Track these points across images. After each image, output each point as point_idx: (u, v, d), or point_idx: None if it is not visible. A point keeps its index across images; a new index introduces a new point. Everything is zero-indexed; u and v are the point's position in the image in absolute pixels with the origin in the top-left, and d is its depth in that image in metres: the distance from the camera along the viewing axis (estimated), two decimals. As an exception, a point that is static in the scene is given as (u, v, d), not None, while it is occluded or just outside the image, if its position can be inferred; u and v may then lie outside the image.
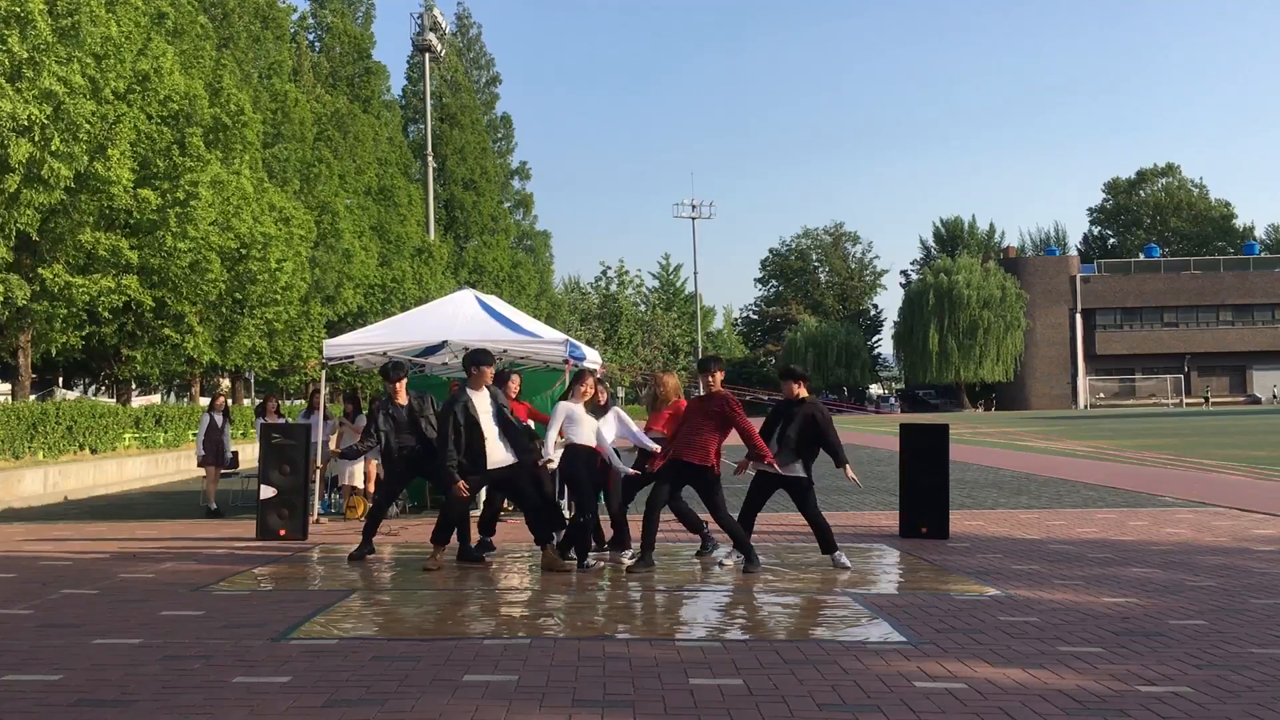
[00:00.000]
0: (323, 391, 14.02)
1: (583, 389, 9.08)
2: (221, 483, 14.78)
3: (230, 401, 19.32)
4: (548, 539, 8.78)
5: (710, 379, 8.77)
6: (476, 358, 8.95)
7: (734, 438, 8.87)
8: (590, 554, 8.86)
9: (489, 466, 8.78)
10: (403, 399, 10.04)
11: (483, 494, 10.15)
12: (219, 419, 14.36)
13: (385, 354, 13.57)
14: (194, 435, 26.93)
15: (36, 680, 5.38)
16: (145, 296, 22.87)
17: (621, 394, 71.84)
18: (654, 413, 9.77)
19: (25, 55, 18.30)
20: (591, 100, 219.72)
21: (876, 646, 5.93)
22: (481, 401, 8.86)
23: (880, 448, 27.70)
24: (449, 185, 61.87)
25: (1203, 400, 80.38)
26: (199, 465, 14.51)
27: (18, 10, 18.19)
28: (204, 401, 36.55)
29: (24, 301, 20.47)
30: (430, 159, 56.87)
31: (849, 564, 8.72)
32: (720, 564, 8.73)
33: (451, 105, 63.45)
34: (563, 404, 9.07)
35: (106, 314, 22.52)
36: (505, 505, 12.97)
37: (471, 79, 68.65)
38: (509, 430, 8.86)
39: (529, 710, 4.75)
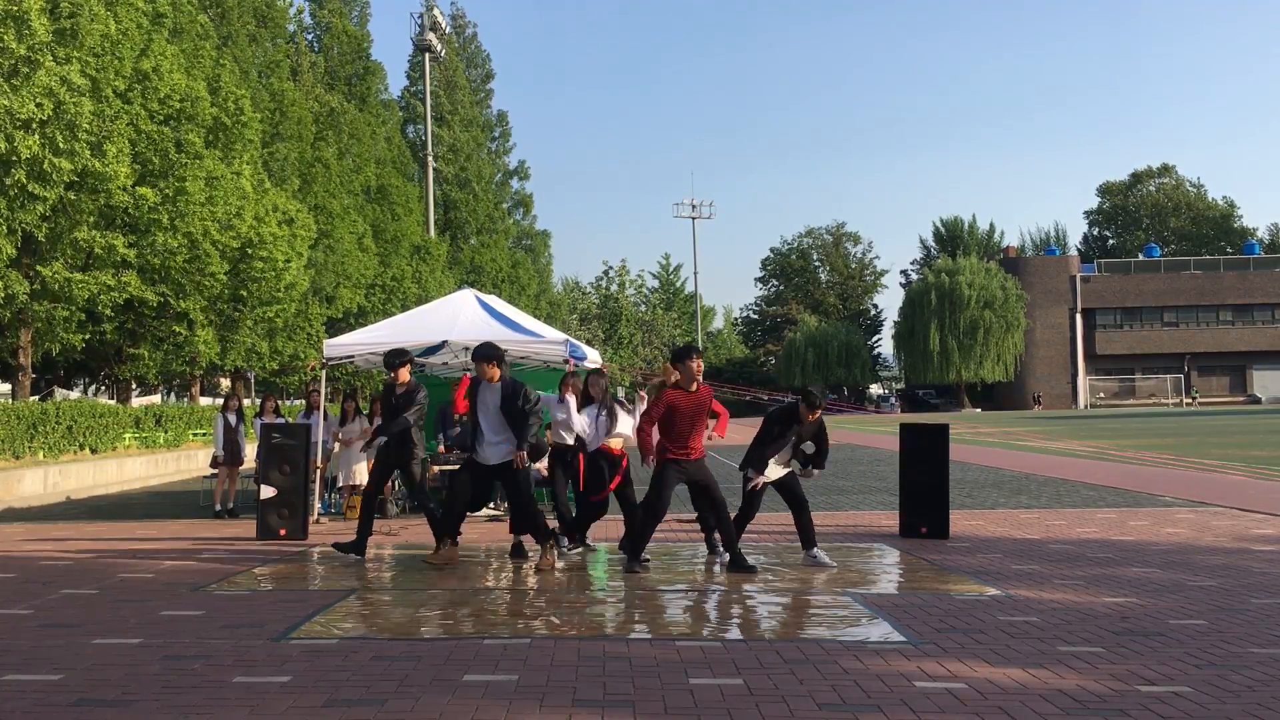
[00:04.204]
0: (322, 391, 14.01)
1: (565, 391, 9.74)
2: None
3: (243, 401, 19.30)
4: (535, 535, 8.86)
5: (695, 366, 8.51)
6: (476, 352, 8.96)
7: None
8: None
9: (481, 461, 8.85)
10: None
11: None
12: (233, 419, 14.33)
13: (385, 354, 13.58)
14: (195, 435, 26.94)
15: (36, 680, 5.38)
16: (147, 293, 22.87)
17: (621, 393, 71.87)
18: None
19: (22, 53, 18.31)
20: (591, 100, 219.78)
21: (876, 646, 5.93)
22: (486, 395, 8.86)
23: (880, 448, 27.69)
24: (446, 185, 61.86)
25: (1190, 400, 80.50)
26: (212, 466, 14.43)
27: (14, 10, 18.21)
28: (205, 401, 36.57)
29: (24, 300, 20.47)
30: (431, 158, 56.87)
31: (831, 562, 8.77)
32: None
33: (447, 104, 63.44)
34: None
35: (109, 312, 22.52)
36: (496, 505, 13.00)
37: (467, 78, 68.66)
38: (510, 428, 8.84)
39: (529, 710, 4.75)
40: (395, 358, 9.86)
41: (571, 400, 9.51)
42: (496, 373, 8.85)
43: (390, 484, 13.20)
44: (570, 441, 9.80)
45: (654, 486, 8.50)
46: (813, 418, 8.93)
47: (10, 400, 22.39)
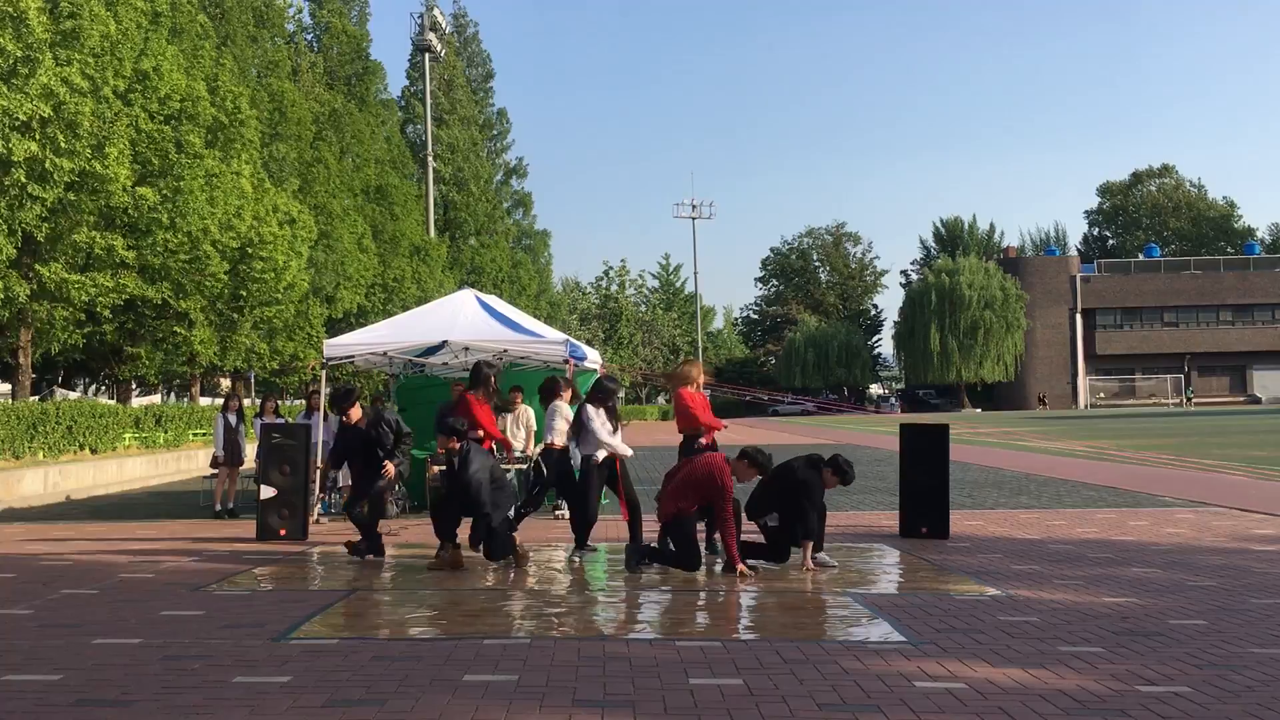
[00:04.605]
0: (322, 392, 14.00)
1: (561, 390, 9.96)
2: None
3: (244, 402, 19.30)
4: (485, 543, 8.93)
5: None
6: (439, 426, 9.02)
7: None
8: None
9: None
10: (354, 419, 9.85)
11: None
12: (233, 419, 14.31)
13: (385, 354, 13.58)
14: (195, 435, 26.94)
15: (36, 680, 5.38)
16: (147, 290, 22.87)
17: (621, 394, 71.78)
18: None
19: (20, 54, 18.32)
20: (591, 100, 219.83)
21: (876, 646, 5.93)
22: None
23: (880, 448, 27.70)
24: (445, 185, 61.85)
25: (1186, 400, 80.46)
26: (212, 466, 14.41)
27: (11, 10, 18.20)
28: (205, 402, 36.56)
29: (24, 300, 20.47)
30: (431, 158, 56.87)
31: (832, 562, 8.77)
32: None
33: (446, 104, 63.44)
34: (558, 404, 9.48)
35: (107, 313, 22.52)
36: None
37: (467, 78, 68.65)
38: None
39: (529, 710, 4.75)
40: (343, 400, 9.79)
41: (602, 415, 9.33)
42: (456, 445, 8.92)
43: (394, 485, 13.17)
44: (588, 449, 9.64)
45: (679, 543, 8.51)
46: (831, 486, 8.93)
47: (10, 400, 22.38)
